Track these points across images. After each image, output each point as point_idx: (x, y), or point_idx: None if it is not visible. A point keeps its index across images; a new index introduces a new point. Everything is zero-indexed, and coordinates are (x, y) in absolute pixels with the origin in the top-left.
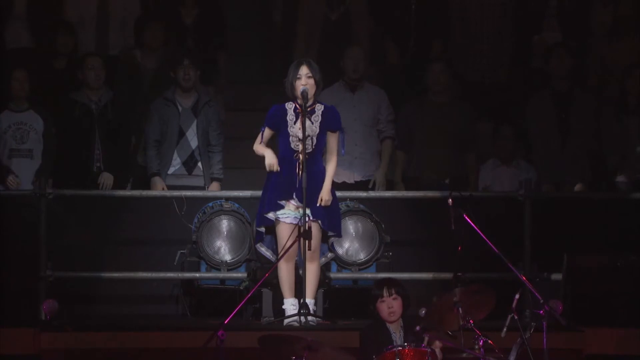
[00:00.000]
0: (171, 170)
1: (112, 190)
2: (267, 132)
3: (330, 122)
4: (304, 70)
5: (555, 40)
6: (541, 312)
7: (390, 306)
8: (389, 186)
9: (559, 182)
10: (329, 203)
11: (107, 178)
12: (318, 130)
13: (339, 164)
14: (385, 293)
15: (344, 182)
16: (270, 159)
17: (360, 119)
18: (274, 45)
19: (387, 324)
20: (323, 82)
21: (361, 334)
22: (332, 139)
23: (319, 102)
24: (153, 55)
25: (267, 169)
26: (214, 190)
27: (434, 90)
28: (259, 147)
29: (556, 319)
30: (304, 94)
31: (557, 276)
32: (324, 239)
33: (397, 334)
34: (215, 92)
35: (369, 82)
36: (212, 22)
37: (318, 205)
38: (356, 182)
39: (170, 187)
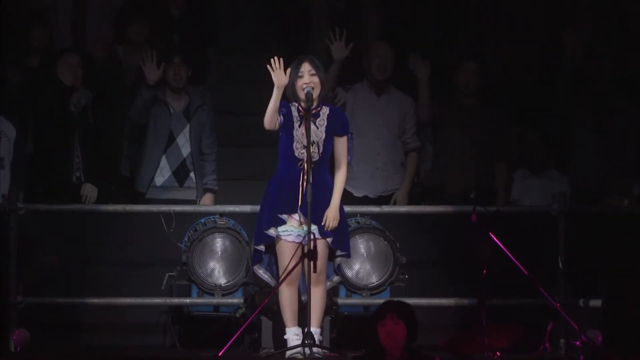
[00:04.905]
0: (160, 182)
1: (92, 204)
2: None
3: (336, 126)
4: (306, 67)
5: (590, 36)
6: (578, 343)
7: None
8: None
9: (594, 190)
10: (336, 223)
11: (90, 190)
12: (324, 136)
13: (359, 176)
14: (387, 315)
15: (365, 197)
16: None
17: (385, 126)
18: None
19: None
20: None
21: None
22: (340, 145)
23: (324, 104)
24: (137, 52)
25: (277, 83)
26: (207, 203)
27: (464, 92)
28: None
29: (595, 350)
30: (309, 95)
31: (595, 302)
32: (330, 258)
33: None
34: (206, 93)
35: (395, 87)
36: (203, 14)
37: (323, 224)
38: (378, 196)
39: (158, 201)
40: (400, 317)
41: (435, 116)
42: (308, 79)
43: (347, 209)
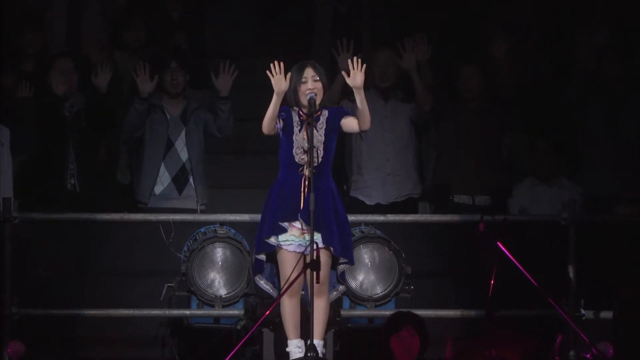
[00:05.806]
0: (159, 190)
1: (89, 213)
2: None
3: (337, 118)
4: (309, 73)
5: (604, 39)
6: (588, 355)
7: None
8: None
9: (605, 196)
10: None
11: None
12: (324, 139)
13: (370, 184)
14: (403, 327)
15: (378, 204)
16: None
17: (393, 131)
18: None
19: None
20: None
21: None
22: (351, 118)
23: (323, 108)
24: (134, 57)
25: (277, 89)
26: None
27: (464, 97)
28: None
29: None
30: (312, 101)
31: (606, 314)
32: (333, 266)
33: None
34: (206, 97)
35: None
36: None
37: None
38: (391, 203)
39: (157, 210)
40: (416, 329)
41: (437, 118)
42: (312, 85)
43: (351, 218)
